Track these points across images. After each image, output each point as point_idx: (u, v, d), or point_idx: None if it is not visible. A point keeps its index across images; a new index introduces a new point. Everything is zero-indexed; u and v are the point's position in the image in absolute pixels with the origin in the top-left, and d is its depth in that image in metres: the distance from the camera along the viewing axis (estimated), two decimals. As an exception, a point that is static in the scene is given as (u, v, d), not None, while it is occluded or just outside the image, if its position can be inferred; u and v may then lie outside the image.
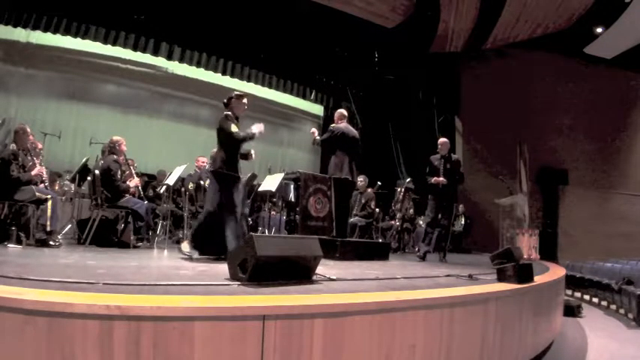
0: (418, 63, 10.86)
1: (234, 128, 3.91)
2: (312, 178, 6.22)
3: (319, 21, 9.45)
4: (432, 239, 5.73)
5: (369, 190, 8.00)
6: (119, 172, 5.02)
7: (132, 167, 5.52)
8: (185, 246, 4.03)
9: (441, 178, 5.65)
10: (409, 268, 4.29)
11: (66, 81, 8.76)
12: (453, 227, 7.19)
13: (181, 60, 9.76)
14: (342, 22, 9.51)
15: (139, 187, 5.44)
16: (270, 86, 11.16)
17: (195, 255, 3.93)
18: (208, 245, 3.90)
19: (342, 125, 5.27)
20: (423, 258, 5.60)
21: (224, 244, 3.71)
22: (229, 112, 4.03)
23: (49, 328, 1.51)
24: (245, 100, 4.14)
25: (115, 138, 5.21)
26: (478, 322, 2.52)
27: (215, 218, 3.85)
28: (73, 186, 6.39)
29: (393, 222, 8.46)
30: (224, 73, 10.34)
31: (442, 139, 5.98)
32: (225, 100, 4.15)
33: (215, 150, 5.64)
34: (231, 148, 3.97)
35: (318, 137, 5.34)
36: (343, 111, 5.52)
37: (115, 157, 5.06)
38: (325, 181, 6.10)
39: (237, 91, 4.38)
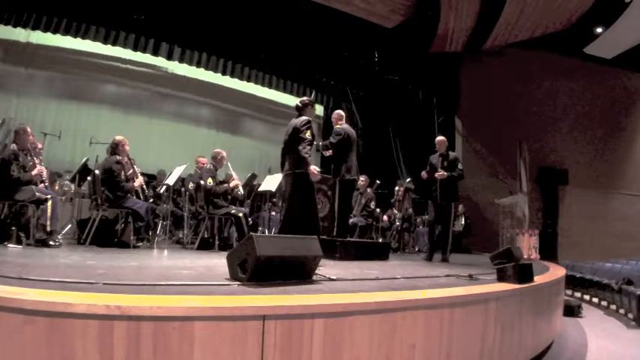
0: (418, 63, 10.85)
1: (309, 136, 4.02)
2: (312, 178, 6.20)
3: (319, 21, 9.44)
4: (432, 239, 5.92)
5: (369, 190, 8.01)
6: (122, 172, 5.02)
7: (134, 167, 5.52)
8: None
9: (441, 172, 5.68)
10: (409, 268, 4.29)
11: (66, 81, 8.75)
12: (454, 227, 7.19)
13: (181, 60, 9.74)
14: (342, 22, 9.51)
15: (144, 187, 5.43)
16: (270, 86, 11.13)
17: None
18: None
19: (345, 126, 5.26)
20: (429, 259, 5.76)
21: None
22: (309, 118, 4.11)
23: (49, 328, 1.51)
24: (315, 107, 4.30)
25: (118, 138, 5.20)
26: (478, 322, 2.52)
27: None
28: (73, 186, 6.39)
29: (386, 217, 8.46)
30: (224, 73, 10.32)
31: (439, 138, 6.11)
32: (299, 104, 4.25)
33: (217, 150, 5.67)
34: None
35: (321, 142, 5.33)
36: (341, 112, 5.44)
37: (117, 157, 5.05)
38: (325, 181, 6.09)
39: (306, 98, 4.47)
